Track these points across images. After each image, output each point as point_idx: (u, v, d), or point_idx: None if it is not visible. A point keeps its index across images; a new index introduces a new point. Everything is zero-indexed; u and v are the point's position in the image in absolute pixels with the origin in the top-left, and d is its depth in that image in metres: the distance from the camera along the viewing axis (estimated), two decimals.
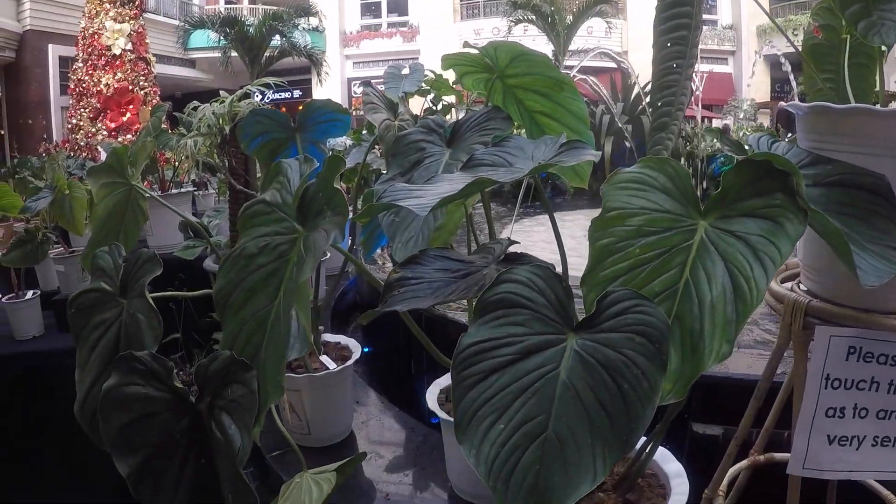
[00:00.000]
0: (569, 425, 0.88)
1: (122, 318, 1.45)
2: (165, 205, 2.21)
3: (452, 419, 1.56)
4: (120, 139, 11.63)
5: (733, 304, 0.97)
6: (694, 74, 1.44)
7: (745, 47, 25.54)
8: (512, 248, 1.32)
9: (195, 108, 3.19)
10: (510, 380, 0.93)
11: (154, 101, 13.44)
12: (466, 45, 1.75)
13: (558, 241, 1.31)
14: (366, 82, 2.43)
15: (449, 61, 1.77)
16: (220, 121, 2.99)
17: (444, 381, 1.85)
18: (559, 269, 1.13)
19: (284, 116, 2.10)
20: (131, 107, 13.13)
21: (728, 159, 9.68)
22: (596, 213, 1.12)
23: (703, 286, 1.01)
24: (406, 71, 4.18)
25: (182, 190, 4.71)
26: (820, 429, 1.15)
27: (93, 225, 1.98)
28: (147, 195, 1.99)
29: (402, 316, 1.33)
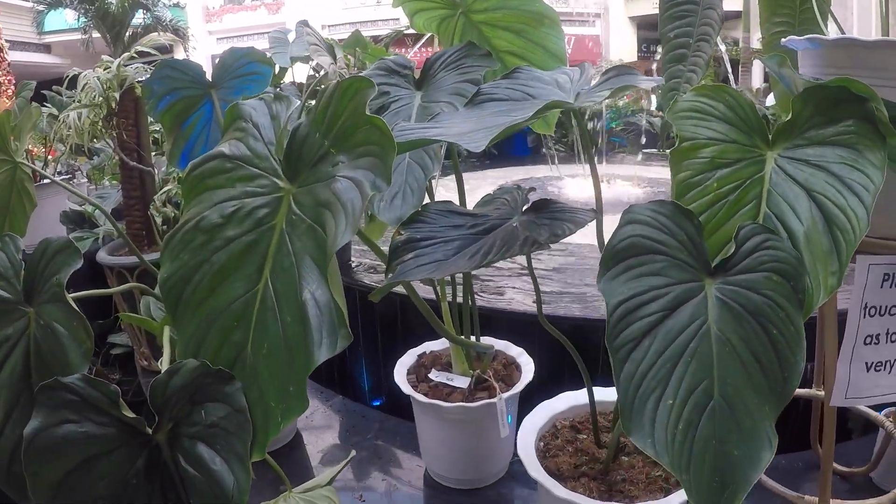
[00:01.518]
0: (734, 386, 0.81)
1: (30, 333, 1.11)
2: (63, 185, 1.82)
3: (427, 399, 1.37)
4: None
5: (828, 234, 0.90)
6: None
7: (612, 9, 26.11)
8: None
9: (74, 77, 2.76)
10: (664, 343, 0.82)
11: (9, 90, 12.46)
12: None
13: (597, 191, 1.05)
14: (302, 21, 2.09)
15: None
16: (108, 88, 2.58)
17: (409, 359, 1.67)
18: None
19: (198, 69, 1.75)
20: None
21: (616, 113, 9.75)
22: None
23: (789, 219, 0.94)
24: (292, 35, 3.88)
25: (58, 178, 4.21)
26: (860, 357, 1.13)
27: None
28: (44, 181, 1.63)
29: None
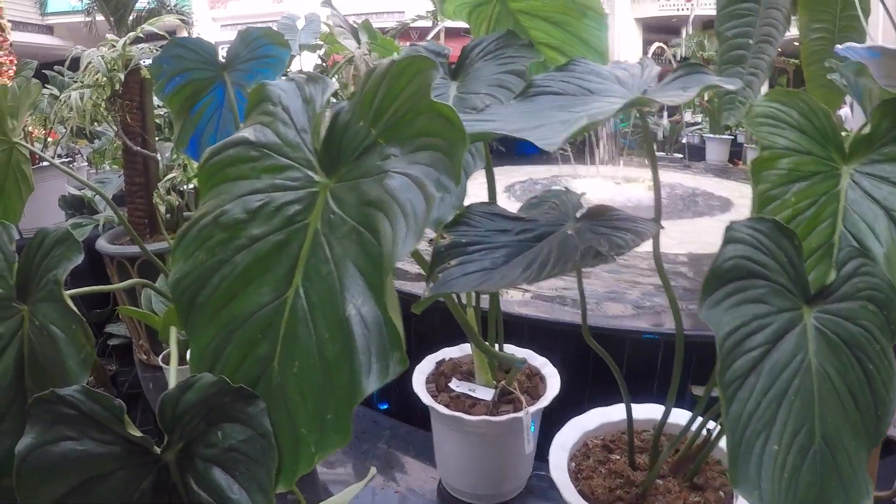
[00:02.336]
0: (833, 426, 0.75)
1: (23, 333, 1.01)
2: (62, 169, 1.72)
3: (449, 411, 1.28)
4: None
5: None
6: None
7: (618, 10, 26.08)
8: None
9: (77, 58, 2.65)
10: (769, 380, 0.74)
11: (10, 71, 12.34)
12: None
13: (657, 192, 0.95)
14: (327, 2, 1.99)
15: None
16: (112, 68, 2.48)
17: (427, 366, 1.56)
18: None
19: (211, 49, 1.64)
20: None
21: (625, 115, 9.66)
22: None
23: (867, 240, 0.88)
24: (301, 23, 3.77)
25: (58, 161, 4.10)
26: None
27: None
28: (42, 163, 1.53)
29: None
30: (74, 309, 0.94)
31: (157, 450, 0.84)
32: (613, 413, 1.35)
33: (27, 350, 1.01)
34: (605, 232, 0.83)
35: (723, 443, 1.16)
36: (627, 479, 1.19)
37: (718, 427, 1.15)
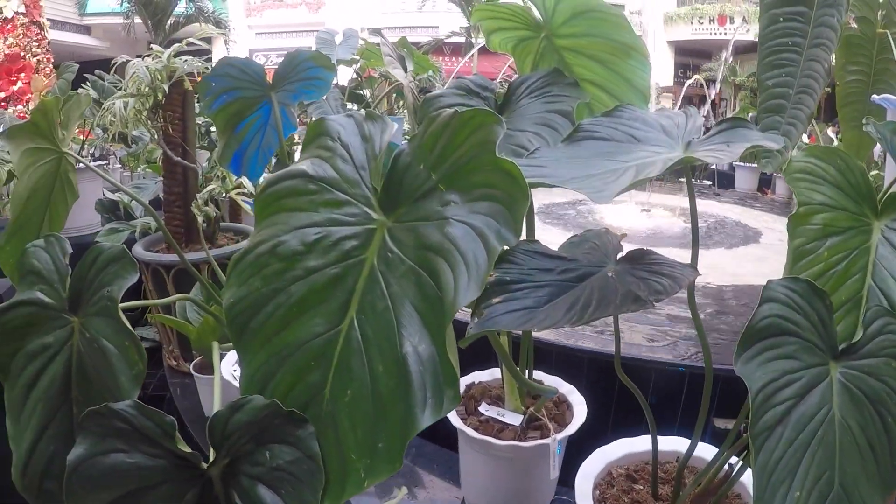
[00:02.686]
0: (852, 475, 0.79)
1: (72, 344, 1.05)
2: (102, 175, 1.77)
3: (478, 435, 1.30)
4: (11, 110, 10.69)
5: None
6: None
7: (652, 33, 26.15)
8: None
9: (123, 65, 2.71)
10: (795, 431, 0.79)
11: (47, 69, 12.50)
12: None
13: (694, 232, 0.98)
14: (375, 30, 2.03)
15: (481, 13, 1.45)
16: (156, 79, 2.53)
17: None
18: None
19: (259, 69, 1.69)
20: (23, 75, 12.09)
21: None
22: None
23: (894, 294, 0.92)
24: (339, 38, 3.83)
25: (95, 164, 4.17)
26: None
27: (13, 206, 1.53)
28: (79, 166, 1.58)
29: None
30: (129, 326, 0.98)
31: (204, 465, 0.87)
32: (638, 444, 1.37)
33: (75, 361, 1.05)
34: (644, 276, 0.86)
35: (744, 477, 1.19)
36: None
37: (741, 463, 1.17)
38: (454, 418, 1.50)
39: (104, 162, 5.72)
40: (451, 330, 0.69)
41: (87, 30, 23.10)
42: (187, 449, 0.86)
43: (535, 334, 1.98)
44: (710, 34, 23.51)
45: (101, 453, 0.85)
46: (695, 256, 0.96)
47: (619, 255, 0.96)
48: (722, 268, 3.83)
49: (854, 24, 1.96)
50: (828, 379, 0.82)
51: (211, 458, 0.87)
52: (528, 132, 1.14)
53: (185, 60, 2.73)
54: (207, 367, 2.07)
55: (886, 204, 0.97)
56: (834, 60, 1.97)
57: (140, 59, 2.78)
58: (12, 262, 1.48)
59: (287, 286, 0.81)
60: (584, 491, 1.23)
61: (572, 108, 1.16)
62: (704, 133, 0.93)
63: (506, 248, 0.92)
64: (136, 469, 0.85)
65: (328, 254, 0.79)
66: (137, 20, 14.32)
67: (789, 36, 1.21)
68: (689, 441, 1.31)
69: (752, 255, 4.38)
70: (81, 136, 4.56)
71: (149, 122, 2.77)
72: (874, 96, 1.18)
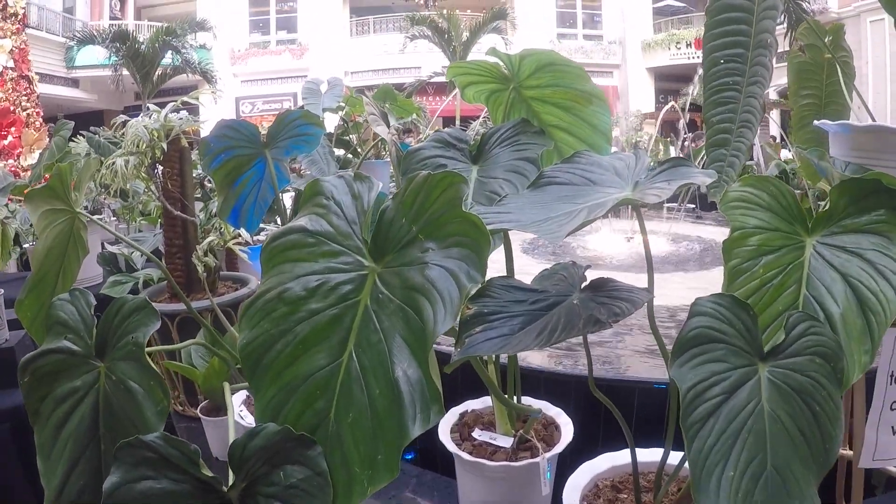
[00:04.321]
0: (783, 457, 0.89)
1: (99, 387, 1.16)
2: (108, 229, 1.89)
3: (472, 458, 1.41)
4: (2, 164, 10.80)
5: (862, 316, 1.00)
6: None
7: (630, 61, 26.58)
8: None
9: (122, 124, 2.84)
10: (726, 422, 0.91)
11: (37, 122, 12.65)
12: (492, 51, 1.57)
13: (648, 260, 1.11)
14: (360, 90, 2.17)
15: (455, 70, 1.59)
16: (154, 137, 2.67)
17: (451, 417, 1.72)
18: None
19: (254, 129, 1.82)
20: (13, 129, 12.23)
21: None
22: None
23: (827, 302, 1.03)
24: (324, 87, 3.97)
25: (96, 218, 4.28)
26: (887, 422, 1.21)
27: (34, 263, 1.66)
28: (87, 221, 1.69)
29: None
30: (154, 367, 1.10)
31: (224, 488, 0.99)
32: (621, 457, 1.49)
33: (103, 401, 1.16)
34: (604, 301, 0.99)
35: None
36: None
37: None
38: (449, 444, 1.61)
39: (99, 216, 5.84)
40: (433, 357, 0.82)
41: (75, 83, 23.38)
42: (210, 474, 0.98)
43: (522, 362, 2.10)
44: (688, 58, 23.93)
45: (134, 480, 0.96)
46: (650, 281, 1.09)
47: (584, 285, 1.09)
48: (700, 291, 3.92)
49: (803, 53, 2.10)
50: (756, 377, 0.93)
51: (231, 482, 0.99)
52: (500, 179, 1.27)
53: (181, 119, 2.87)
54: (213, 410, 2.18)
55: (816, 222, 1.09)
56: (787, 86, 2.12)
57: (139, 118, 2.92)
58: (30, 315, 1.59)
59: (293, 327, 0.93)
60: (572, 501, 1.35)
61: (538, 154, 1.30)
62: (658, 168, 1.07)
63: (483, 284, 1.05)
64: (165, 493, 0.97)
65: (328, 297, 0.92)
66: (125, 72, 14.53)
67: (730, 76, 1.34)
68: (674, 453, 1.42)
69: None
70: None
71: (147, 177, 2.90)
72: (815, 122, 1.32)
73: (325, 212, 1.00)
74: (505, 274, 1.24)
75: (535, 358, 2.48)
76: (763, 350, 0.97)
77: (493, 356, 1.65)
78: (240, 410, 1.94)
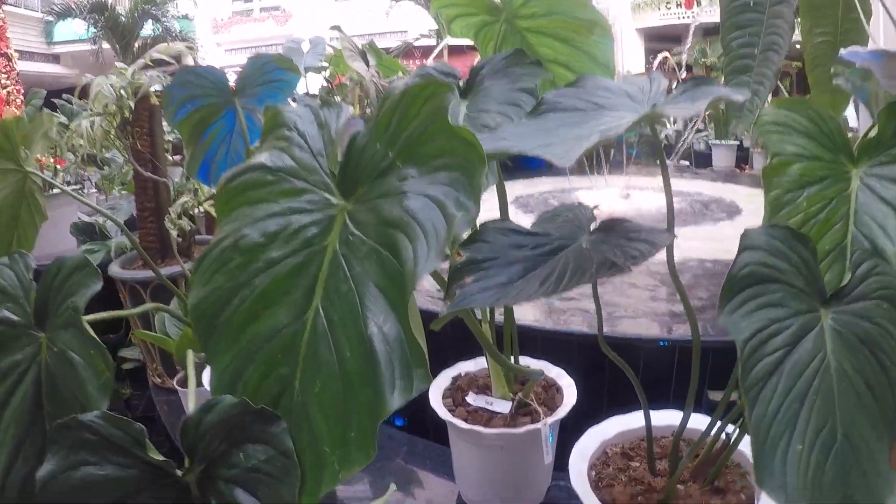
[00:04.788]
0: (854, 422, 0.75)
1: (40, 360, 1.02)
2: (74, 196, 1.73)
3: (466, 425, 1.27)
4: None
5: None
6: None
7: (620, 22, 26.31)
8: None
9: (86, 86, 2.67)
10: (790, 381, 0.75)
11: (18, 101, 12.41)
12: None
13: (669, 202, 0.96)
14: (335, 25, 2.01)
15: (440, 2, 1.42)
16: (122, 96, 2.50)
17: (443, 381, 1.58)
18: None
19: (221, 76, 1.66)
20: None
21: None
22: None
23: (878, 239, 0.89)
24: (306, 46, 3.81)
25: (68, 187, 4.12)
26: None
27: None
28: (54, 190, 1.54)
29: None
30: (93, 335, 0.96)
31: (179, 472, 0.84)
32: (631, 421, 1.35)
33: (45, 376, 1.02)
34: (619, 243, 0.84)
35: (742, 446, 1.17)
36: (648, 485, 1.20)
37: (737, 430, 1.15)
38: (441, 410, 1.48)
39: (79, 187, 5.66)
40: (416, 311, 0.67)
41: (55, 58, 22.96)
42: (159, 457, 0.83)
43: (519, 321, 1.96)
44: (678, 18, 23.59)
45: (72, 467, 0.82)
46: (671, 222, 0.94)
47: (594, 226, 0.94)
48: (703, 243, 3.85)
49: None
50: (819, 325, 0.79)
51: (187, 465, 0.84)
52: (493, 112, 1.11)
53: (150, 76, 2.70)
54: None
55: (862, 150, 0.95)
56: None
57: (104, 77, 2.75)
58: None
59: (251, 279, 0.78)
60: (580, 471, 1.21)
61: (536, 84, 1.14)
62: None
63: (475, 227, 0.90)
64: (109, 481, 0.83)
65: (289, 243, 0.77)
66: (105, 45, 14.23)
67: None
68: (683, 414, 1.30)
69: (733, 229, 4.39)
70: (59, 166, 4.51)
71: (117, 140, 2.74)
72: (842, 51, 1.16)
73: (286, 145, 0.84)
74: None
75: (530, 316, 2.34)
76: (826, 292, 0.82)
77: (488, 313, 1.50)
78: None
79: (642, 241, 0.83)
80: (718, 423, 1.15)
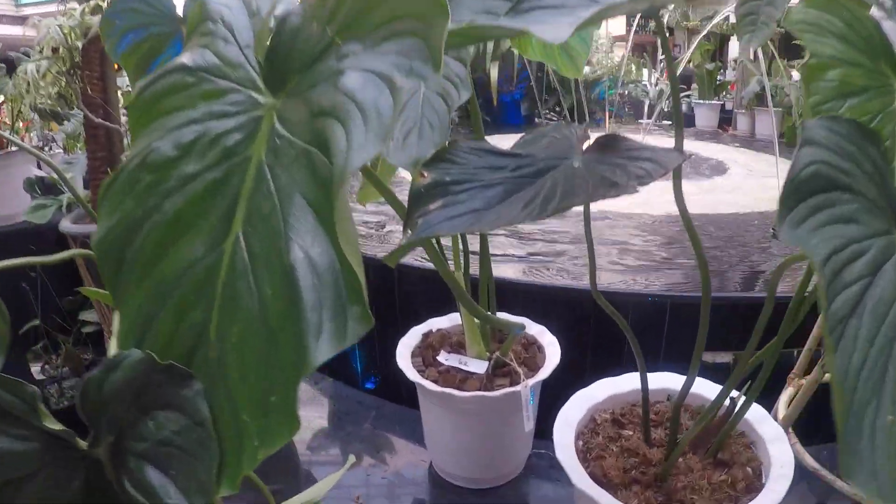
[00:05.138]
0: None
1: None
2: (25, 147, 1.55)
3: (437, 388, 1.14)
4: None
5: None
6: None
7: None
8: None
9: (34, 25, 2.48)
10: (873, 324, 0.54)
11: None
12: None
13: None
14: None
15: None
16: (71, 37, 2.31)
17: (412, 339, 1.41)
18: None
19: (168, 1, 1.47)
20: None
21: (612, 83, 9.54)
22: None
23: None
24: None
25: (25, 145, 3.91)
26: None
27: None
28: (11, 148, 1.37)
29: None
30: None
31: (84, 444, 0.69)
32: (623, 383, 1.21)
33: None
34: (619, 163, 0.68)
35: (748, 413, 1.06)
36: (643, 457, 1.06)
37: (742, 396, 1.02)
38: (409, 371, 1.33)
39: (45, 147, 5.43)
40: (352, 231, 0.50)
41: (23, 20, 22.38)
42: (57, 426, 0.67)
43: (497, 273, 1.81)
44: None
45: None
46: (679, 139, 0.78)
47: (587, 146, 0.78)
48: (694, 199, 3.76)
49: None
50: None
51: (91, 435, 0.69)
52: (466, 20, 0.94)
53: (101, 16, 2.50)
54: None
55: None
56: None
57: (53, 18, 2.56)
58: None
59: (161, 202, 0.62)
60: (565, 441, 1.07)
61: None
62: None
63: (444, 147, 0.75)
64: (3, 456, 0.67)
65: (206, 155, 0.60)
66: (72, 4, 13.84)
67: None
68: (680, 377, 1.16)
69: (721, 186, 4.29)
70: (24, 126, 4.31)
71: (66, 85, 2.55)
72: None
73: (210, 40, 0.67)
74: None
75: (508, 272, 2.20)
76: None
77: (462, 258, 1.35)
78: None
79: (648, 161, 0.68)
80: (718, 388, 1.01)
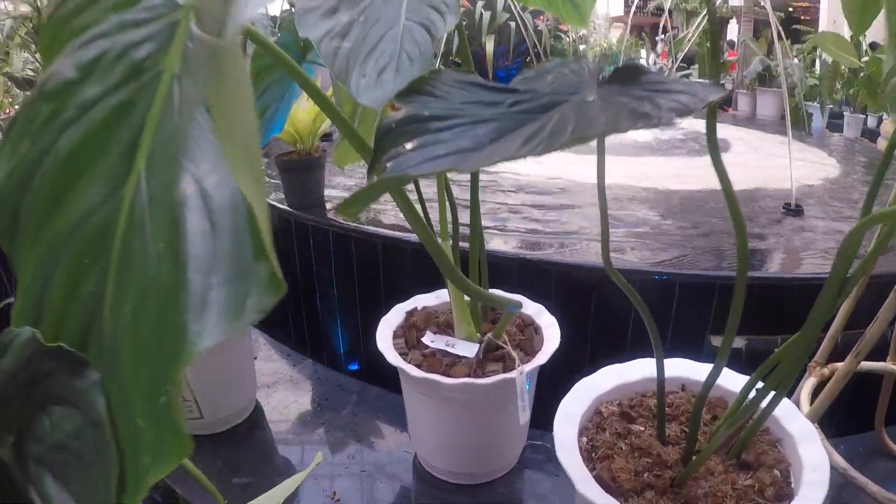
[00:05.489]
0: None
1: None
2: None
3: (421, 373, 1.13)
4: None
5: None
6: None
7: None
8: None
9: None
10: None
11: None
12: None
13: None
14: None
15: None
16: None
17: (395, 317, 1.28)
18: None
19: None
20: None
21: (612, 60, 9.45)
22: None
23: None
24: None
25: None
26: None
27: None
28: None
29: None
30: None
31: None
32: (630, 371, 1.07)
33: None
34: (644, 95, 0.54)
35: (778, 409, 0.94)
36: (658, 457, 0.92)
37: (768, 389, 0.88)
38: (390, 353, 1.19)
39: None
40: (257, 156, 0.35)
41: None
42: None
43: (490, 246, 1.67)
44: None
45: None
46: (715, 75, 0.64)
47: (602, 77, 0.64)
48: (697, 176, 3.71)
49: None
50: None
51: None
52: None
53: None
54: None
55: None
56: None
57: None
58: None
59: (56, 139, 0.48)
60: (567, 437, 0.93)
61: None
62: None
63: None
64: None
65: (110, 73, 0.46)
66: None
67: None
68: (695, 364, 1.02)
69: (729, 162, 4.19)
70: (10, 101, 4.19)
71: (35, 47, 2.41)
72: None
73: None
74: None
75: (503, 244, 2.06)
76: None
77: (450, 227, 1.21)
78: None
79: (681, 93, 0.54)
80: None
